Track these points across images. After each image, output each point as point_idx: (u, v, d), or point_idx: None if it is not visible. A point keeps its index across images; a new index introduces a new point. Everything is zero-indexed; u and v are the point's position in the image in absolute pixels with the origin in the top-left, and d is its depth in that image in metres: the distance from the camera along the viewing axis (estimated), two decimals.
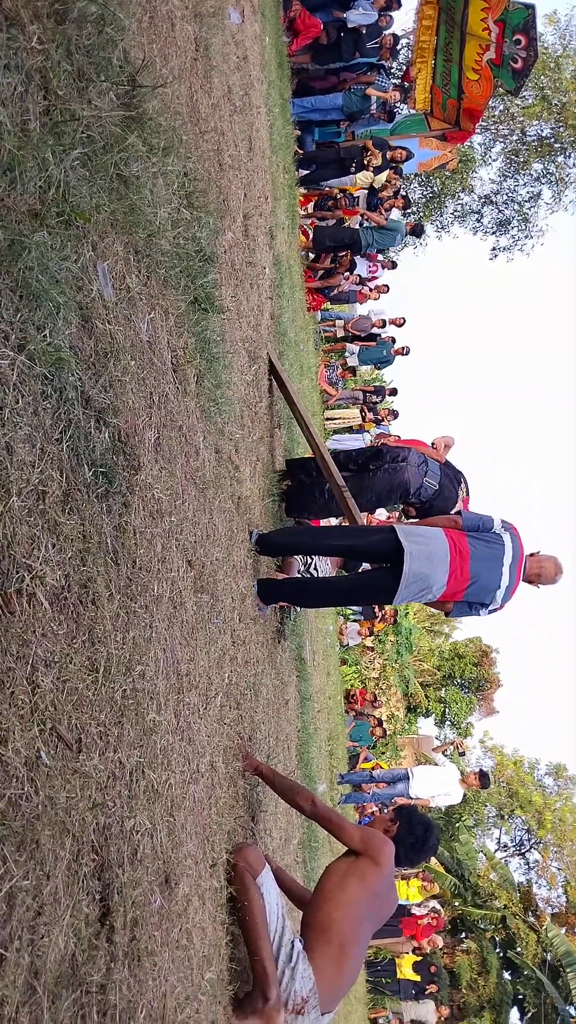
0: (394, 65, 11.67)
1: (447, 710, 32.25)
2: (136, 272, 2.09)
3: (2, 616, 1.29)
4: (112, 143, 1.79)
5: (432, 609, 4.35)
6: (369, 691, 16.46)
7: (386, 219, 10.82)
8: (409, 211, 11.06)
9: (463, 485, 4.95)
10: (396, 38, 10.86)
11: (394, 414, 14.25)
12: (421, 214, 21.45)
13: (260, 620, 3.83)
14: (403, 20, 15.53)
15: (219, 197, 3.42)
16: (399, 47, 11.75)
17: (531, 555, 4.03)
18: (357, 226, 10.75)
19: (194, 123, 3.00)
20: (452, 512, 4.72)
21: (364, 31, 9.59)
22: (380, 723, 13.62)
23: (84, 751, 1.57)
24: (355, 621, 13.68)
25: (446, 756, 10.27)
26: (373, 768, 10.85)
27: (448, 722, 33.02)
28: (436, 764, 10.08)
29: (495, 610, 3.99)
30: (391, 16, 10.16)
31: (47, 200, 1.48)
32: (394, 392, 15.42)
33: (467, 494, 5.07)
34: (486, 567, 3.79)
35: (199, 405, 2.82)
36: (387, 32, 10.11)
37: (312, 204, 10.58)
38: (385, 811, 9.13)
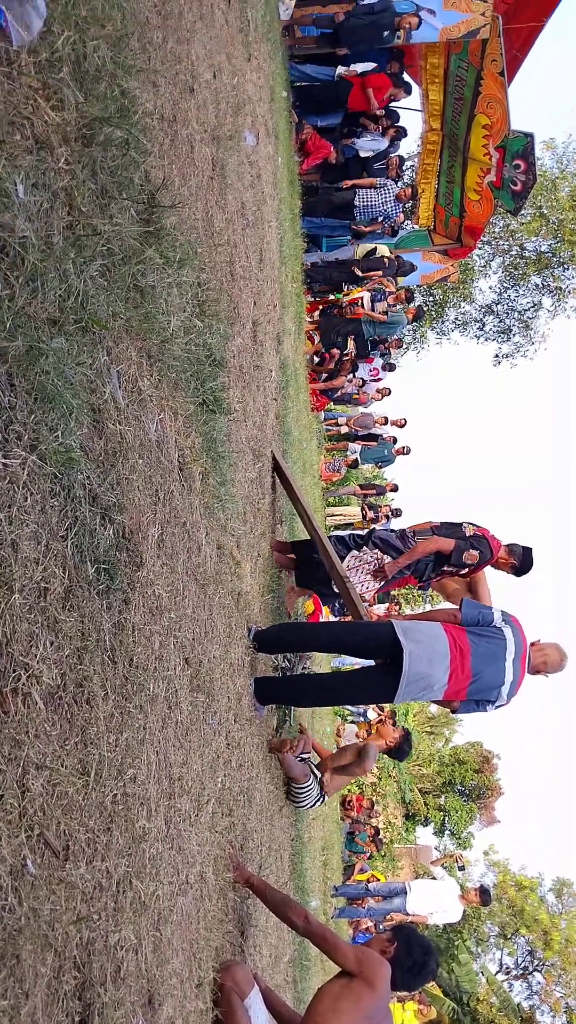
0: (400, 184, 12.32)
1: (447, 819, 31.14)
2: (148, 376, 2.15)
3: None
4: (130, 256, 1.88)
5: (432, 710, 4.32)
6: (366, 798, 15.93)
7: (387, 316, 11.27)
8: (411, 302, 11.45)
9: (465, 525, 5.16)
10: (402, 160, 11.52)
11: (396, 512, 14.34)
12: (422, 322, 22.22)
13: (256, 721, 3.75)
14: (408, 143, 16.54)
15: (230, 305, 3.56)
16: (404, 168, 12.47)
17: (533, 644, 3.96)
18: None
19: (209, 236, 3.15)
20: (468, 535, 5.03)
21: (372, 155, 10.20)
22: (377, 832, 13.13)
23: (71, 859, 1.52)
24: (353, 723, 13.38)
25: (445, 869, 9.82)
26: (369, 880, 10.38)
27: (448, 831, 31.82)
28: (435, 878, 9.64)
29: (501, 706, 3.91)
30: (398, 139, 10.82)
31: (66, 308, 1.55)
32: (395, 489, 15.58)
33: (477, 526, 5.16)
34: (488, 663, 3.72)
35: (203, 502, 2.85)
36: (393, 154, 10.73)
37: (317, 312, 10.98)
38: (382, 928, 8.70)
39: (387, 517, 14.10)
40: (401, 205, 10.77)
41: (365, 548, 5.30)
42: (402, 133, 10.63)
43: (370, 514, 13.66)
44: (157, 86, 2.46)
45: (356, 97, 9.78)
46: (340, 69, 9.52)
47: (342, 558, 5.24)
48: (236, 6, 4.50)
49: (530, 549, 5.15)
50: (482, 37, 9.50)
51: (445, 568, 5.17)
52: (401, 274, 11.26)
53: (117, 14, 1.99)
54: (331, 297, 11.07)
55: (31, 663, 1.39)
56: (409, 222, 12.48)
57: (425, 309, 14.55)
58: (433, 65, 10.84)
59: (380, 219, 10.70)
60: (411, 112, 11.62)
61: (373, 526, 10.78)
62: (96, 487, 1.75)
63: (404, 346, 22.18)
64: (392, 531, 5.46)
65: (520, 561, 5.10)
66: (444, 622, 3.85)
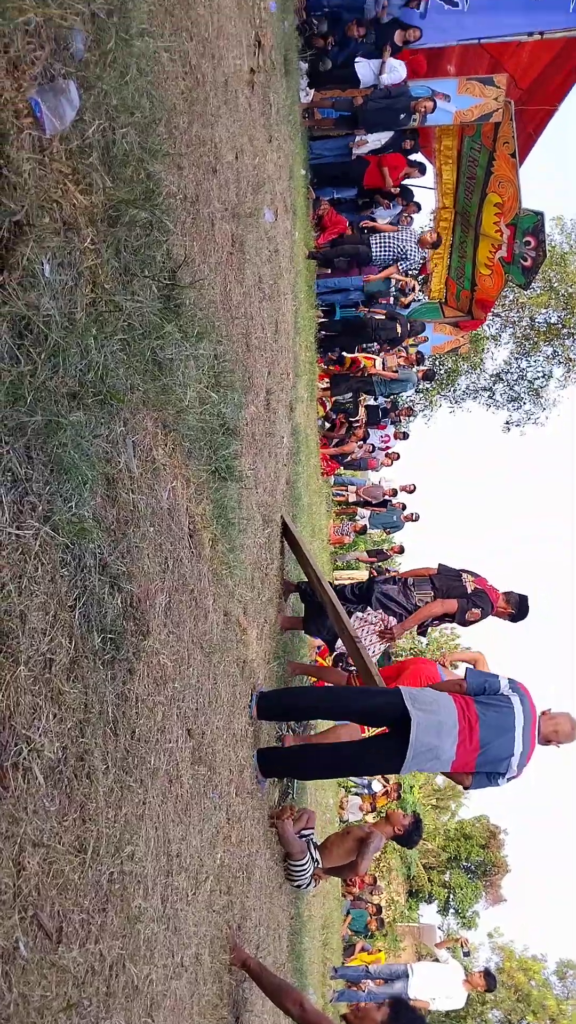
0: (420, 230, 12.66)
1: (451, 896, 30.11)
2: (163, 445, 2.18)
3: None
4: (150, 330, 1.93)
5: (439, 782, 4.25)
6: (369, 873, 15.46)
7: (398, 373, 11.44)
8: (421, 364, 11.62)
9: (465, 577, 5.24)
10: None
11: (400, 549, 14.29)
12: (432, 383, 22.53)
13: (258, 794, 3.68)
14: (421, 218, 17.02)
15: (245, 375, 3.62)
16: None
17: (543, 713, 3.87)
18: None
19: (226, 309, 3.23)
20: (469, 591, 5.13)
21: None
22: (379, 911, 12.70)
23: (64, 942, 1.47)
24: (357, 794, 13.07)
25: (449, 952, 9.43)
26: (371, 961, 10.00)
27: (452, 910, 30.73)
28: (438, 960, 9.25)
29: (513, 778, 3.81)
30: (411, 217, 11.14)
31: (86, 382, 1.58)
32: (401, 551, 15.49)
33: (476, 576, 5.24)
34: (496, 734, 3.64)
35: (212, 568, 2.85)
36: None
37: (328, 380, 11.14)
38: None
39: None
40: (422, 252, 10.53)
41: (369, 609, 5.36)
42: (416, 208, 10.93)
43: (375, 575, 13.62)
44: (181, 168, 2.55)
45: (372, 175, 10.11)
46: (355, 141, 9.82)
47: (349, 613, 5.30)
48: (259, 91, 4.70)
49: (526, 596, 5.26)
50: (495, 121, 9.87)
51: (445, 621, 5.33)
52: (412, 334, 11.40)
53: (146, 102, 2.09)
54: (343, 357, 11.19)
55: (33, 736, 1.37)
56: (423, 294, 12.75)
57: (435, 370, 14.54)
58: (447, 147, 11.24)
59: (398, 261, 10.39)
60: (424, 190, 12.01)
61: (374, 575, 10.82)
62: (106, 556, 1.76)
63: (415, 414, 22.43)
64: (393, 583, 5.47)
65: (517, 608, 5.22)
66: (451, 691, 3.79)
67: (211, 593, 2.82)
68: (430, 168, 11.56)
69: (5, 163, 1.36)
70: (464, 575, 5.32)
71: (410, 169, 10.26)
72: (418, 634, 6.34)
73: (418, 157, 10.81)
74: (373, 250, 10.21)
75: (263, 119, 4.80)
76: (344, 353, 11.07)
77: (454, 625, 5.95)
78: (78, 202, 1.62)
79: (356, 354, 11.14)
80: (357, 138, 9.56)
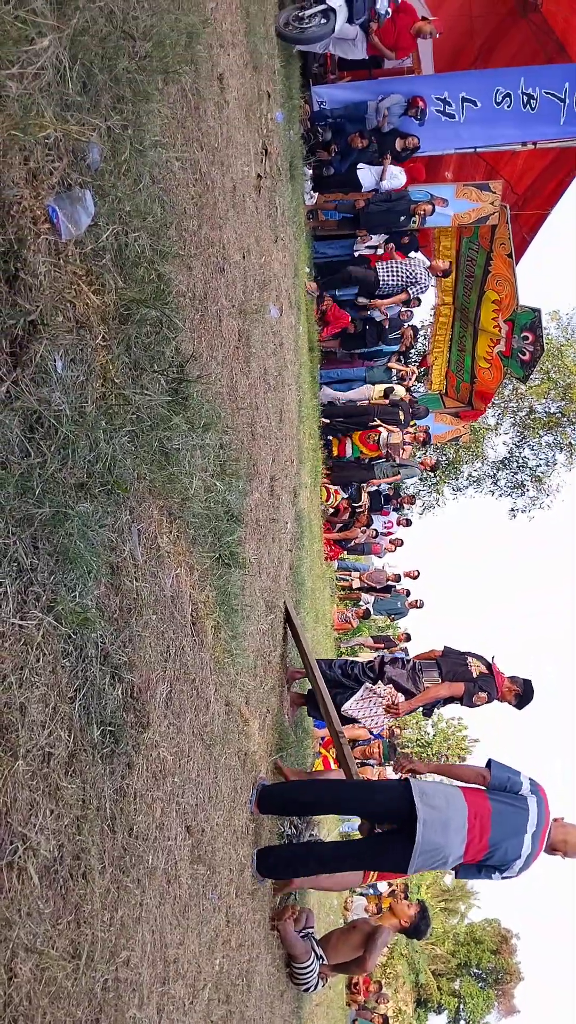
0: (413, 352, 12.95)
1: (462, 1006, 28.46)
2: (168, 532, 2.20)
3: None
4: (158, 422, 1.97)
5: (447, 881, 4.08)
6: (374, 980, 14.66)
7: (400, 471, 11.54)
8: (427, 444, 11.66)
9: (470, 661, 5.34)
10: (416, 330, 12.20)
11: (407, 637, 14.05)
12: (437, 479, 22.75)
13: (258, 894, 3.53)
14: (421, 314, 17.57)
15: (249, 462, 3.68)
16: (418, 338, 13.18)
17: (555, 820, 3.72)
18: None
19: (232, 400, 3.31)
20: (474, 676, 5.22)
21: (387, 324, 10.79)
22: (386, 1022, 11.98)
23: None
24: (362, 895, 12.53)
25: None
26: None
27: (463, 1022, 28.98)
28: None
29: (509, 878, 3.65)
30: (411, 312, 11.50)
31: (94, 473, 1.61)
32: (408, 638, 15.30)
33: (486, 665, 5.34)
34: (507, 836, 3.49)
35: (214, 657, 2.83)
36: (407, 324, 11.37)
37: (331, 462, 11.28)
38: None
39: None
40: (431, 277, 10.35)
41: (380, 683, 5.47)
42: (417, 303, 11.25)
43: (385, 658, 13.41)
44: (191, 268, 2.66)
45: None
46: (359, 241, 10.20)
47: (354, 690, 5.51)
48: (265, 195, 4.94)
49: (530, 681, 5.32)
50: (491, 223, 10.30)
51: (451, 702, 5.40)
52: (416, 417, 11.50)
53: (158, 207, 2.19)
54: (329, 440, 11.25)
55: (29, 834, 1.34)
56: (422, 385, 13.04)
57: (441, 461, 14.42)
58: (445, 246, 11.70)
59: (407, 288, 10.16)
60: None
61: (382, 654, 10.66)
62: (108, 645, 1.75)
63: (418, 503, 22.58)
64: (402, 665, 5.59)
65: (522, 692, 5.27)
66: (466, 786, 3.65)
67: (213, 682, 2.78)
68: None
69: (22, 266, 1.42)
70: (469, 659, 5.42)
71: None
72: (424, 716, 6.35)
73: (418, 255, 11.24)
74: (381, 276, 10.07)
75: (269, 221, 5.03)
76: (331, 437, 11.06)
77: (460, 716, 6.08)
78: (91, 302, 1.68)
79: (360, 432, 11.12)
80: (359, 239, 9.97)
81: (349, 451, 11.08)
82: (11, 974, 1.27)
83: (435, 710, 5.77)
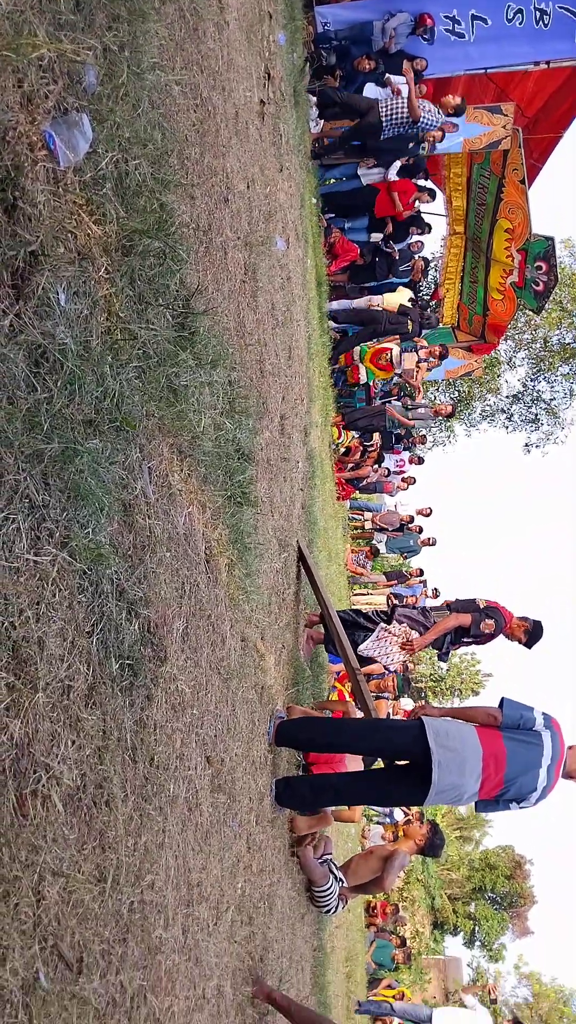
0: (424, 284, 12.65)
1: (477, 928, 29.49)
2: (179, 471, 2.19)
3: (15, 820, 1.25)
4: (165, 358, 1.94)
5: (461, 811, 4.19)
6: (391, 903, 15.19)
7: (411, 419, 11.35)
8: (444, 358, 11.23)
9: (478, 599, 5.61)
10: (427, 261, 11.90)
11: (435, 593, 14.05)
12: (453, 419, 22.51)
13: (277, 822, 3.63)
14: (432, 245, 17.14)
15: (259, 401, 3.64)
16: (429, 269, 12.85)
17: (571, 748, 3.78)
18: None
19: (240, 336, 3.26)
20: (481, 607, 5.49)
21: (397, 255, 10.54)
22: (404, 943, 12.45)
23: (85, 972, 1.45)
24: (379, 823, 12.89)
25: (476, 999, 9.16)
26: (396, 996, 9.79)
27: (478, 942, 30.08)
28: (465, 1006, 9.03)
29: (526, 808, 3.74)
30: (422, 242, 11.21)
31: (102, 409, 1.59)
32: (421, 573, 15.34)
33: (488, 600, 5.56)
34: (522, 771, 3.56)
35: (228, 594, 2.85)
36: (418, 256, 11.11)
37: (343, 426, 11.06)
38: None
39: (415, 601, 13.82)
40: (442, 115, 9.03)
41: (394, 623, 5.75)
42: (426, 230, 10.91)
43: (395, 602, 13.52)
44: (194, 198, 2.59)
45: (382, 202, 10.19)
46: (364, 171, 9.80)
47: (371, 630, 5.79)
48: (269, 122, 4.78)
49: (540, 622, 5.50)
50: (503, 148, 9.96)
51: (464, 640, 5.69)
52: (427, 326, 11.19)
53: (158, 134, 2.12)
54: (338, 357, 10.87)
55: (52, 764, 1.37)
56: (434, 318, 12.77)
57: (456, 408, 13.43)
58: (456, 175, 11.35)
59: (415, 125, 8.95)
60: (435, 217, 12.11)
61: (395, 603, 10.62)
62: (123, 582, 1.76)
63: (430, 442, 22.36)
64: (412, 607, 5.94)
65: (531, 631, 5.46)
66: (480, 724, 3.70)
67: (228, 618, 2.81)
68: (440, 195, 11.66)
69: (20, 195, 1.38)
70: (477, 599, 5.70)
71: (420, 194, 10.32)
72: (439, 659, 6.52)
73: (427, 183, 10.90)
74: (383, 119, 8.89)
75: (274, 149, 4.87)
76: (341, 350, 10.52)
77: (473, 651, 6.35)
78: (92, 232, 1.64)
79: (372, 346, 10.56)
80: (362, 163, 9.60)
81: (363, 376, 10.68)
82: (39, 896, 1.32)
83: (450, 652, 5.94)
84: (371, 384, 10.95)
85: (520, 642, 5.51)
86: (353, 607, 13.17)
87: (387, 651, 5.65)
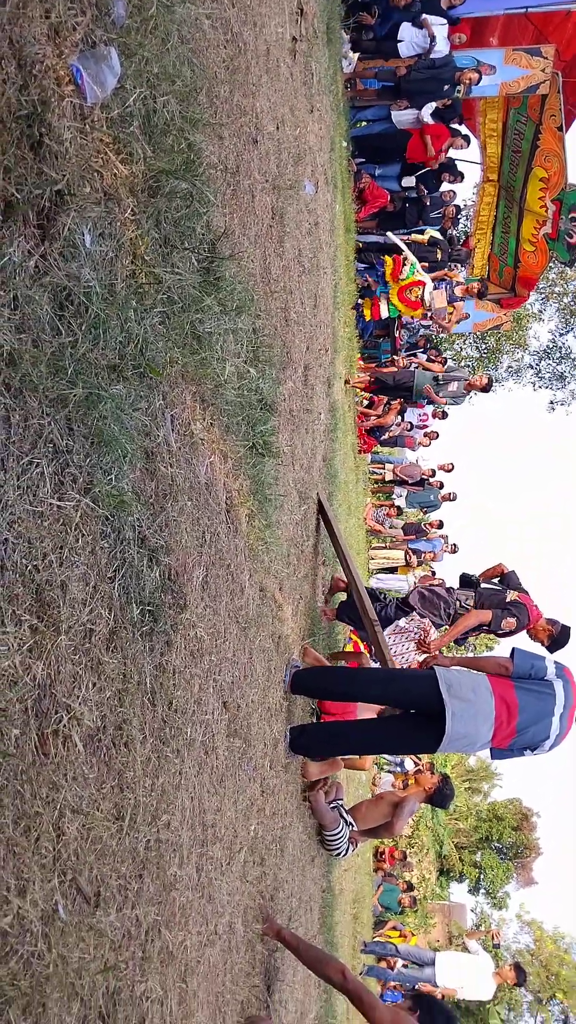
0: (454, 233, 12.32)
1: (482, 876, 30.14)
2: (201, 419, 2.18)
3: (37, 758, 1.27)
4: (190, 304, 1.92)
5: (471, 763, 4.22)
6: (399, 849, 15.54)
7: (443, 367, 11.01)
8: (483, 296, 10.32)
9: (508, 592, 5.36)
10: (458, 209, 11.62)
11: (454, 549, 14.00)
12: (473, 367, 22.14)
13: (291, 768, 3.70)
14: (464, 192, 16.69)
15: (283, 350, 3.60)
16: (460, 217, 12.55)
17: None
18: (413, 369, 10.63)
19: (265, 283, 3.21)
20: (508, 600, 5.26)
21: (428, 202, 10.27)
22: (410, 888, 12.76)
23: (102, 906, 1.50)
24: (390, 772, 13.11)
25: (479, 944, 9.38)
26: (402, 936, 10.08)
27: (483, 890, 30.78)
28: (468, 951, 9.27)
29: (540, 754, 3.79)
30: (454, 191, 10.92)
31: (126, 355, 1.58)
32: (440, 525, 15.24)
33: (521, 592, 5.38)
34: (534, 720, 3.59)
35: (248, 544, 2.86)
36: (450, 204, 10.83)
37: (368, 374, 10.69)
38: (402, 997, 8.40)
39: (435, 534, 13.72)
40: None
41: (406, 619, 5.45)
42: (459, 178, 10.60)
43: (413, 559, 13.53)
44: (222, 138, 2.53)
45: (415, 146, 9.91)
46: (397, 113, 9.45)
47: (383, 626, 5.42)
48: (301, 60, 4.63)
49: (569, 627, 5.23)
50: (541, 92, 9.60)
51: (482, 631, 5.44)
52: (457, 260, 10.72)
53: (187, 71, 2.06)
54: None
55: (73, 705, 1.39)
56: (464, 269, 12.48)
57: (493, 382, 11.78)
58: (492, 120, 10.98)
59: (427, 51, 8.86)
60: (469, 164, 11.75)
61: (416, 584, 10.40)
62: (145, 529, 1.76)
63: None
64: (436, 599, 5.55)
65: (558, 634, 5.20)
66: (491, 674, 3.73)
67: (247, 568, 2.82)
68: (474, 143, 11.30)
69: (47, 131, 1.35)
70: (507, 592, 5.42)
71: (454, 139, 10.01)
72: (456, 643, 6.34)
73: (461, 128, 10.56)
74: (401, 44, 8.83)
75: (305, 89, 4.73)
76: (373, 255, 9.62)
77: (492, 638, 6.08)
78: (119, 172, 1.61)
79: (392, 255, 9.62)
80: (395, 105, 9.27)
81: (384, 311, 9.75)
82: (59, 832, 1.35)
83: (467, 639, 5.75)
84: (395, 322, 10.40)
85: (542, 644, 5.26)
86: (374, 573, 13.20)
87: (403, 650, 5.42)
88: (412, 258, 9.26)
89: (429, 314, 9.69)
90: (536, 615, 5.24)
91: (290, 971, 3.36)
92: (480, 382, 10.07)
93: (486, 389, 10.04)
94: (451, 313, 10.02)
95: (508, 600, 5.29)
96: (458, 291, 10.02)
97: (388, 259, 9.32)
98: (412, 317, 10.27)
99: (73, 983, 1.39)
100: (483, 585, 5.63)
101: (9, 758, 1.20)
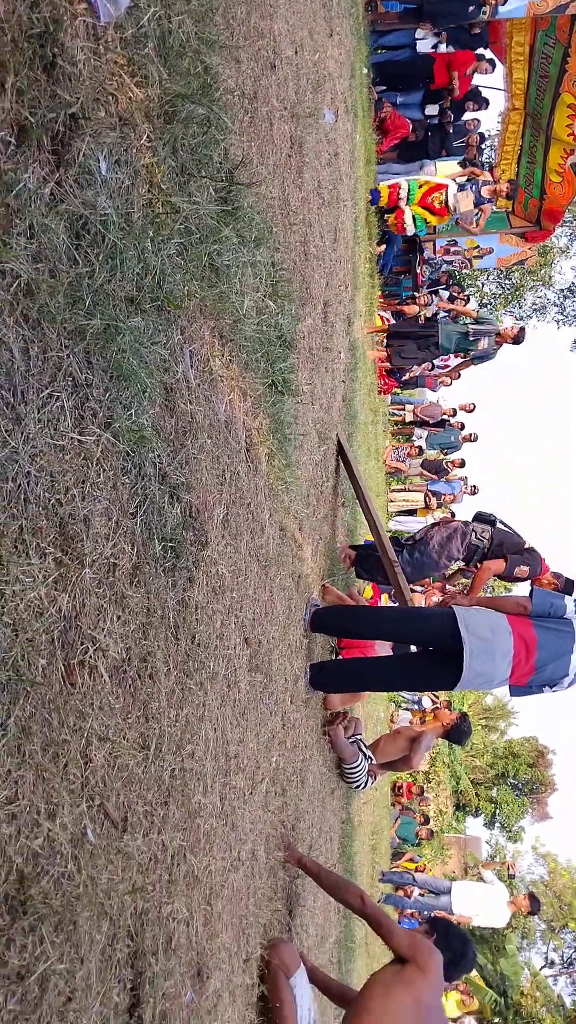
0: (478, 162, 11.91)
1: (497, 811, 30.82)
2: (220, 356, 2.15)
3: (63, 688, 1.30)
4: (208, 235, 1.88)
5: (488, 702, 4.26)
6: (417, 784, 15.89)
7: (475, 311, 10.36)
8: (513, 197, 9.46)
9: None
10: (482, 137, 11.21)
11: (474, 490, 13.90)
12: (495, 304, 21.67)
13: (311, 703, 3.76)
14: (488, 121, 16.09)
15: (302, 285, 3.53)
16: (484, 146, 12.12)
17: None
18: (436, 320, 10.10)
19: (284, 215, 3.13)
20: (525, 546, 5.25)
21: (451, 130, 9.93)
22: (427, 821, 13.08)
23: (129, 831, 1.55)
24: (407, 709, 13.34)
25: (494, 874, 9.63)
26: (418, 869, 10.37)
27: (498, 824, 31.50)
28: (484, 881, 9.53)
29: (559, 691, 3.84)
30: (478, 119, 10.53)
31: (143, 287, 1.55)
32: (462, 465, 15.04)
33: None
34: (554, 656, 3.62)
35: (268, 483, 2.85)
36: (474, 133, 10.46)
37: (390, 313, 10.33)
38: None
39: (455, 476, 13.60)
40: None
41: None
42: (484, 105, 10.20)
43: (433, 501, 13.48)
44: (239, 62, 2.44)
45: (439, 72, 9.54)
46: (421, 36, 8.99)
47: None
48: None
49: (573, 580, 5.26)
50: (571, 12, 9.14)
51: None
52: (474, 164, 10.20)
53: None
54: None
55: (98, 636, 1.41)
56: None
57: (524, 334, 10.65)
58: (518, 43, 10.48)
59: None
60: (493, 91, 11.30)
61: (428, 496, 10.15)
62: (166, 465, 1.76)
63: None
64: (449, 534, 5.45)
65: (562, 587, 5.19)
66: (510, 613, 3.74)
67: (267, 507, 2.83)
68: (500, 68, 10.83)
69: (60, 52, 1.31)
70: (524, 540, 5.42)
71: (479, 63, 9.62)
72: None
73: (487, 53, 10.12)
74: None
75: (324, 11, 4.54)
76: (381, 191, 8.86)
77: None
78: (134, 95, 1.56)
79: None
80: (419, 28, 8.84)
81: (409, 225, 9.04)
82: (87, 759, 1.39)
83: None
84: (417, 257, 9.98)
85: None
86: (393, 516, 13.14)
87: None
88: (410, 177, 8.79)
89: (456, 218, 9.03)
90: (545, 568, 5.29)
91: (311, 897, 3.48)
92: (511, 333, 9.43)
93: (518, 340, 9.35)
94: (480, 216, 9.15)
95: (526, 546, 5.31)
96: (485, 191, 9.06)
97: (383, 187, 8.86)
98: (438, 226, 9.43)
99: (102, 903, 1.44)
100: (498, 526, 5.60)
101: (37, 687, 1.23)
